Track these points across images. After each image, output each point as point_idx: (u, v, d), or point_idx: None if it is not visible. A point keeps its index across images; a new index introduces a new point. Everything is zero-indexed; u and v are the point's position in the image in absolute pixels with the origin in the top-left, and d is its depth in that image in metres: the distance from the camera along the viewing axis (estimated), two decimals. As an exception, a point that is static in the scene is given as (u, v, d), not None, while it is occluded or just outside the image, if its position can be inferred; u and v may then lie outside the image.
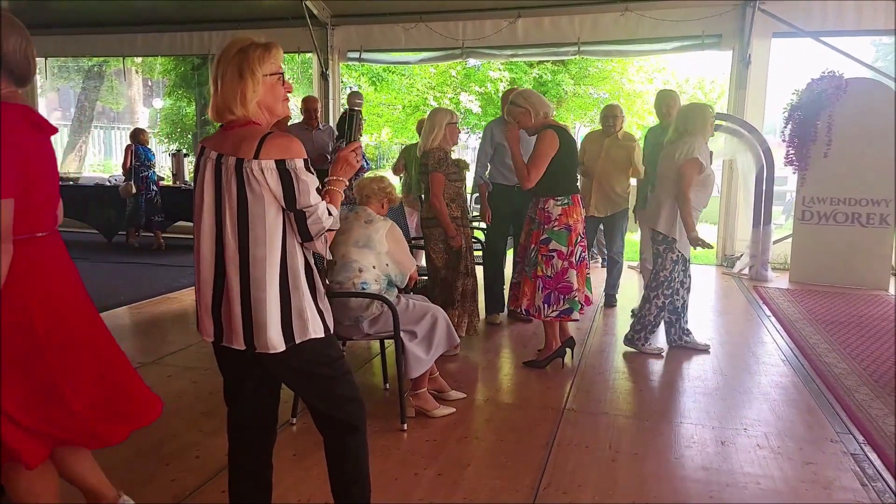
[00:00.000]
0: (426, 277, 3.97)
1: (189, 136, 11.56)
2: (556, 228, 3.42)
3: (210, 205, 1.67)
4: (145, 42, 8.53)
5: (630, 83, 16.58)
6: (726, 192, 7.08)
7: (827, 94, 5.87)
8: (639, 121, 16.75)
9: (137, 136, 7.73)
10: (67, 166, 14.84)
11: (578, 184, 5.50)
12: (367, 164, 5.54)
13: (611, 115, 5.00)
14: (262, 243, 1.62)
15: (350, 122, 1.91)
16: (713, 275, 6.62)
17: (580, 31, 7.03)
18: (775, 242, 6.68)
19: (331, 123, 7.75)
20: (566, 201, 3.44)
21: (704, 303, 5.32)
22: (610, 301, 5.19)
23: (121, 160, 7.74)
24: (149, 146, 7.87)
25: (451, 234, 3.79)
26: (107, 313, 4.79)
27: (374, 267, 2.79)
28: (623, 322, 4.75)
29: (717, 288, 6.05)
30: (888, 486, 2.36)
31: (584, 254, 3.54)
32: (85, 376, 1.80)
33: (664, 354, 3.91)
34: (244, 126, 1.64)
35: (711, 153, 4.19)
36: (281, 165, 1.59)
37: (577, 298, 3.46)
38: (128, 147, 7.72)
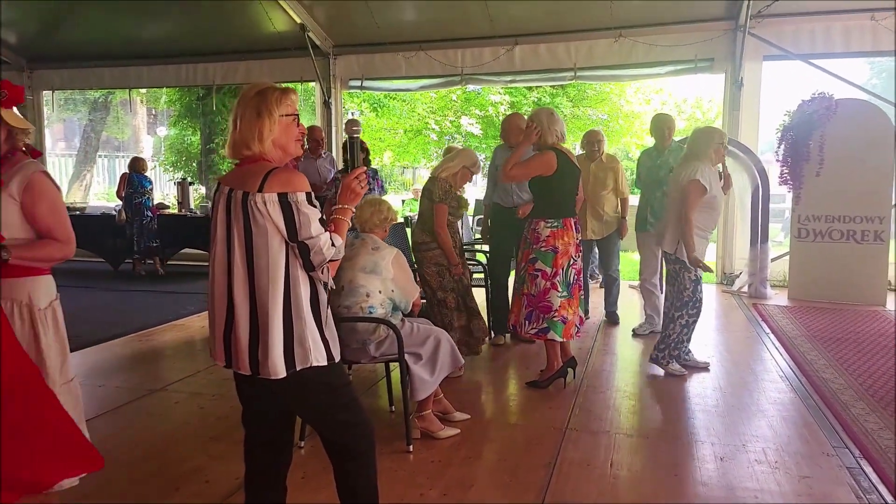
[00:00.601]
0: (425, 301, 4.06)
1: (194, 164, 11.75)
2: (542, 249, 3.54)
3: (222, 236, 1.77)
4: (151, 74, 8.74)
5: (628, 104, 16.83)
6: (724, 212, 7.16)
7: (818, 114, 6.00)
8: (637, 141, 16.94)
9: (134, 165, 7.94)
10: (73, 196, 15.05)
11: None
12: (382, 188, 5.63)
13: (594, 140, 5.23)
14: (266, 273, 1.72)
15: (351, 150, 2.00)
16: (713, 293, 6.69)
17: (576, 57, 7.21)
18: (773, 260, 6.76)
19: (333, 150, 7.93)
20: (556, 224, 3.55)
21: (705, 321, 5.34)
22: (612, 318, 5.27)
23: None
24: (145, 174, 8.03)
25: (454, 263, 3.89)
26: (115, 342, 4.87)
27: (380, 292, 2.88)
28: (624, 341, 4.83)
29: (717, 306, 6.11)
30: (883, 498, 2.42)
31: (577, 277, 3.63)
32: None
33: (686, 374, 3.90)
34: (255, 163, 1.75)
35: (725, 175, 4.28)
36: (283, 199, 1.69)
37: (556, 319, 3.55)
38: (123, 175, 7.94)
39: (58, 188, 2.08)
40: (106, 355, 4.57)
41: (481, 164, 4.16)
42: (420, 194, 4.08)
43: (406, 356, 2.88)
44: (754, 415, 3.30)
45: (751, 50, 6.61)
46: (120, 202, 7.99)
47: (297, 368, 1.76)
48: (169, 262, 7.98)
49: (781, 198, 9.52)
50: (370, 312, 2.86)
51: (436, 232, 3.85)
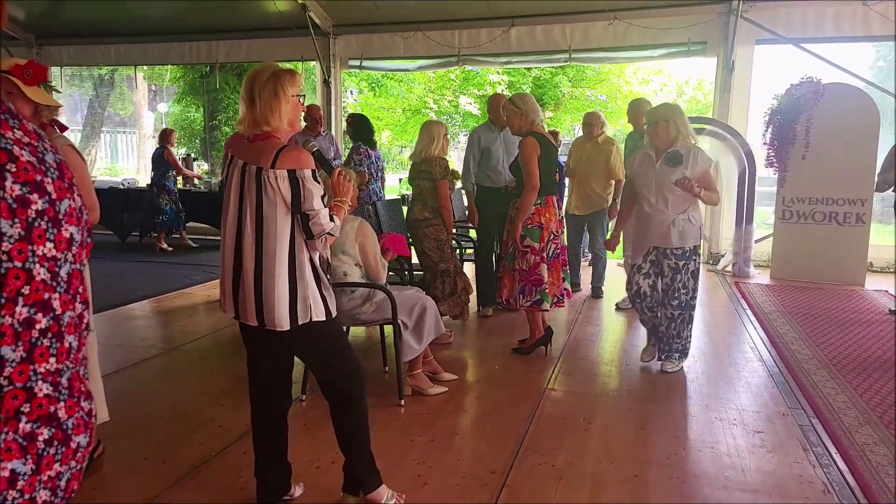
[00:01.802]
0: (421, 273, 4.30)
1: (197, 140, 11.95)
2: (530, 226, 3.76)
3: (234, 205, 2.01)
4: (157, 51, 8.88)
5: (627, 85, 16.88)
6: (712, 193, 7.38)
7: (805, 98, 6.17)
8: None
9: (162, 137, 8.08)
10: (77, 170, 15.19)
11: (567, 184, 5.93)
12: (381, 170, 5.78)
13: (587, 123, 5.47)
14: (273, 239, 1.96)
15: (321, 160, 2.20)
16: (700, 271, 6.93)
17: (571, 39, 7.35)
18: (758, 241, 6.98)
19: (333, 129, 8.12)
20: (540, 202, 3.76)
21: None
22: (596, 293, 5.54)
23: (128, 163, 8.05)
24: (163, 146, 8.08)
25: (450, 233, 4.16)
26: (129, 307, 5.19)
27: (357, 265, 3.05)
28: (607, 315, 5.09)
29: (703, 284, 6.35)
30: (827, 450, 2.68)
31: (558, 250, 3.86)
32: None
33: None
34: (266, 139, 1.97)
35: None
36: (292, 174, 1.92)
37: (546, 291, 3.78)
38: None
39: (84, 160, 2.31)
40: (122, 318, 4.86)
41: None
42: (412, 175, 4.26)
43: (388, 323, 3.11)
44: (722, 380, 3.56)
45: (743, 34, 6.75)
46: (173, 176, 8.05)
47: (300, 323, 2.01)
48: (173, 235, 8.20)
49: (773, 181, 9.70)
50: (352, 291, 3.09)
51: (444, 207, 4.10)
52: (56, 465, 0.89)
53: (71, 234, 0.90)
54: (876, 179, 5.36)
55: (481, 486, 2.39)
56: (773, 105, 6.42)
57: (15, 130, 0.89)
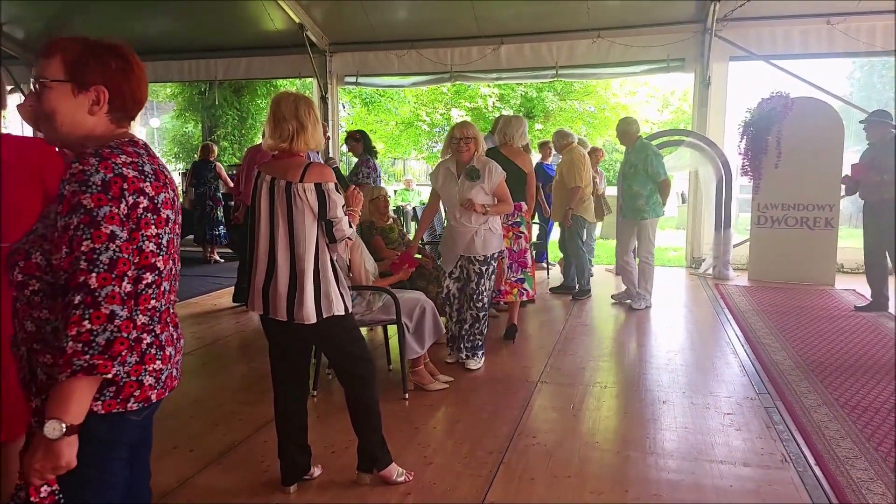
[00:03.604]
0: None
1: (195, 155, 12.20)
2: (521, 217, 4.49)
3: (266, 215, 2.32)
4: (156, 69, 9.15)
5: (615, 97, 17.34)
6: (692, 201, 7.78)
7: (776, 111, 6.58)
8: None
9: (202, 152, 8.47)
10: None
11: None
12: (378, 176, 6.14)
13: (546, 143, 6.38)
14: (302, 243, 2.28)
15: (339, 176, 2.55)
16: (682, 275, 7.30)
17: (557, 56, 7.75)
18: (736, 245, 7.36)
19: (330, 143, 8.44)
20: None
21: (674, 299, 6.03)
22: (562, 291, 6.21)
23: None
24: (211, 160, 8.37)
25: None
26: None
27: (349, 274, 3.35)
28: (598, 312, 5.42)
29: (685, 286, 6.72)
30: (788, 427, 3.00)
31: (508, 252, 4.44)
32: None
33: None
34: (291, 157, 2.30)
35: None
36: (318, 187, 2.25)
37: (529, 275, 4.51)
38: (193, 164, 8.25)
39: None
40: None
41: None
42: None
43: (392, 323, 3.41)
44: (698, 370, 3.89)
45: (718, 51, 7.17)
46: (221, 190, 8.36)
47: (325, 316, 2.32)
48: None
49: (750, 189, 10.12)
50: (357, 294, 3.38)
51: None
52: (157, 362, 1.33)
53: (167, 216, 1.32)
54: (845, 185, 5.71)
55: (480, 464, 2.69)
56: (747, 118, 6.82)
57: (121, 156, 1.25)
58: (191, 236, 8.43)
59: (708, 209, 7.35)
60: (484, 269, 3.79)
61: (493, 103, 15.92)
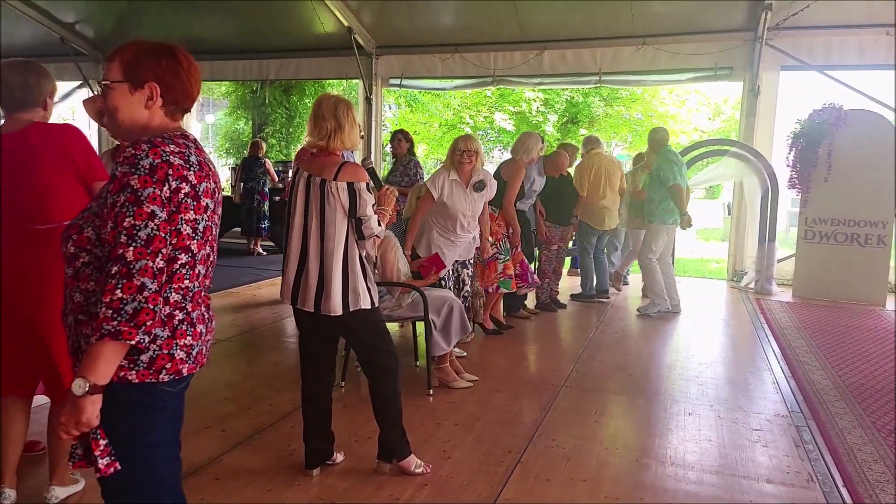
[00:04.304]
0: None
1: (245, 151, 12.65)
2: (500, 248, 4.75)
3: (301, 209, 2.41)
4: (212, 68, 9.51)
5: (662, 105, 17.00)
6: (736, 213, 7.59)
7: (828, 123, 6.37)
8: (673, 139, 17.07)
9: (251, 148, 8.78)
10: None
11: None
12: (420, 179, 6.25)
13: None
14: (333, 239, 2.37)
15: (373, 176, 2.60)
16: (723, 288, 7.14)
17: (601, 63, 7.69)
18: (781, 260, 7.14)
19: (373, 143, 8.61)
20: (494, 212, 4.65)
21: (712, 311, 5.93)
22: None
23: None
24: (259, 156, 8.67)
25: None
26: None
27: (375, 270, 3.42)
28: (630, 321, 5.36)
29: (725, 299, 6.57)
30: (817, 446, 2.92)
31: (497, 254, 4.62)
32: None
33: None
34: (328, 156, 2.40)
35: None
36: (350, 186, 2.34)
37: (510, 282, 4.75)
38: (243, 160, 8.54)
39: None
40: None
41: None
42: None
43: (420, 320, 3.48)
44: (728, 385, 3.81)
45: (768, 60, 6.98)
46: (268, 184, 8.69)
47: (351, 309, 2.40)
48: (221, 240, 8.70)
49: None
50: (386, 291, 3.47)
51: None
52: (188, 338, 1.43)
53: (206, 204, 1.41)
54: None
55: (497, 462, 2.72)
56: (797, 129, 6.62)
57: (171, 145, 1.37)
58: (238, 229, 8.75)
59: (752, 221, 7.16)
60: (472, 269, 4.22)
61: (538, 108, 15.86)
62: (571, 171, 6.10)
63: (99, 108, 2.27)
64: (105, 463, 1.35)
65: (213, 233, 1.47)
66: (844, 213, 6.41)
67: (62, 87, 9.32)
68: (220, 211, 1.50)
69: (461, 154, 3.81)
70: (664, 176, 5.41)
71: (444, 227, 3.90)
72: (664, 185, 5.40)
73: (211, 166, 1.46)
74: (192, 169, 1.37)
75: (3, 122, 2.27)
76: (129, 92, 1.43)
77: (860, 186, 6.30)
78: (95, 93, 10.11)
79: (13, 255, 2.13)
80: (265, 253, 8.50)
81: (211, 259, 1.48)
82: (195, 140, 1.47)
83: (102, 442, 1.35)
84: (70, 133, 2.22)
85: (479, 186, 3.88)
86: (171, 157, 1.34)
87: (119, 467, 1.36)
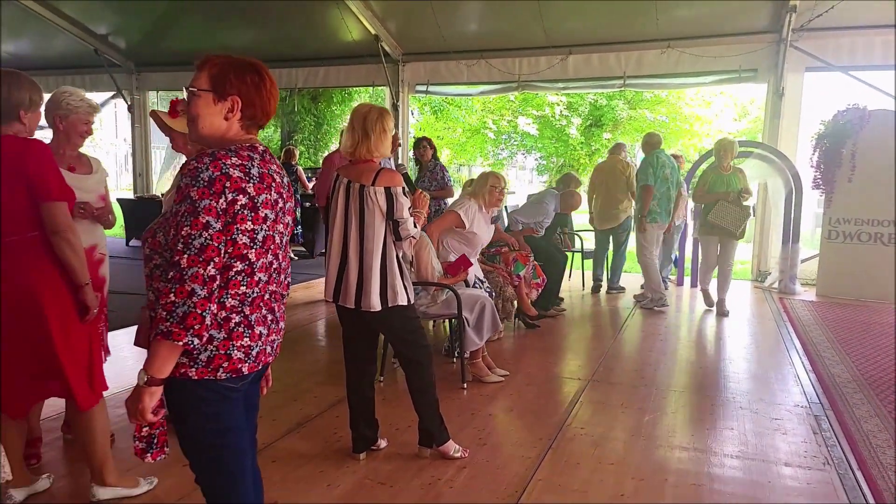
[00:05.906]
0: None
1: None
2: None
3: (341, 213, 2.65)
4: (244, 77, 9.87)
5: (688, 107, 16.92)
6: (761, 213, 7.65)
7: (852, 124, 6.43)
8: (697, 142, 17.03)
9: (284, 155, 9.13)
10: (163, 186, 16.67)
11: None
12: (447, 182, 6.55)
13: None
14: (372, 240, 2.59)
15: (408, 181, 2.84)
16: (747, 288, 7.22)
17: (626, 66, 7.83)
18: (805, 261, 7.19)
19: (399, 149, 8.85)
20: None
21: (736, 310, 6.01)
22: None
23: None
24: (292, 163, 9.05)
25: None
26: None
27: (410, 268, 3.63)
28: (656, 318, 5.51)
29: (749, 299, 6.65)
30: (834, 433, 3.07)
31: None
32: (77, 346, 2.26)
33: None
34: (366, 163, 2.61)
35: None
36: (388, 190, 2.56)
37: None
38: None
39: None
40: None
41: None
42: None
43: (454, 317, 3.69)
44: (750, 378, 3.95)
45: (793, 62, 7.05)
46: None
47: (389, 306, 2.63)
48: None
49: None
50: (422, 289, 3.69)
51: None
52: (245, 339, 1.51)
53: (265, 215, 1.50)
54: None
55: (530, 447, 2.92)
56: (821, 130, 6.68)
57: (233, 157, 1.47)
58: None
59: (776, 222, 7.23)
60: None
61: (561, 111, 15.98)
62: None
63: (180, 113, 2.41)
64: (151, 452, 1.61)
65: (277, 241, 1.55)
66: (868, 213, 6.46)
67: (96, 97, 9.66)
68: (286, 220, 1.59)
69: (500, 192, 4.09)
70: (640, 177, 5.87)
71: (461, 245, 4.12)
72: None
73: (275, 178, 1.54)
74: (252, 181, 1.46)
75: None
76: (213, 102, 1.51)
77: (884, 186, 6.34)
78: (129, 102, 10.53)
79: None
80: (296, 258, 8.80)
81: (275, 266, 1.56)
82: (264, 151, 1.56)
83: (145, 430, 1.59)
84: (30, 148, 2.13)
85: (495, 220, 4.33)
86: (231, 169, 1.44)
87: (167, 452, 1.63)
